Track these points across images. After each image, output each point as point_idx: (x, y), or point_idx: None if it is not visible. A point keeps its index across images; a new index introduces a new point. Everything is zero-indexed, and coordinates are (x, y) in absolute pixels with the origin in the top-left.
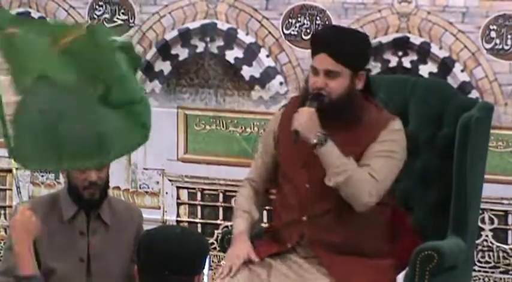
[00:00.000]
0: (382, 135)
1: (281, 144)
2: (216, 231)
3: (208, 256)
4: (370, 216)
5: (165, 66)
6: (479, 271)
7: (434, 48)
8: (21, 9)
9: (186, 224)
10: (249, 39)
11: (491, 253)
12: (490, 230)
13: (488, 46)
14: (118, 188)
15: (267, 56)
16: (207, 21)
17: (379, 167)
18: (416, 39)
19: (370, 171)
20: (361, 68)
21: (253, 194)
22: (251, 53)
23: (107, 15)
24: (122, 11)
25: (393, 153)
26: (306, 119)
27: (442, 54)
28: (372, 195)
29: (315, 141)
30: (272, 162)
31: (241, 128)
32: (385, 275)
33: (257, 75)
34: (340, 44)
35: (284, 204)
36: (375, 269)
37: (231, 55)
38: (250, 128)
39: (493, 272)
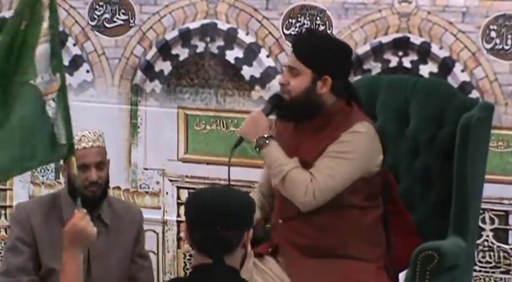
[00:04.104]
0: (341, 137)
1: None
2: None
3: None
4: (346, 221)
5: (166, 66)
6: (480, 271)
7: (435, 48)
8: None
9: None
10: (249, 39)
11: (491, 253)
12: (491, 230)
13: (489, 46)
14: (118, 188)
15: (267, 56)
16: (207, 21)
17: (323, 166)
18: (416, 39)
19: (312, 171)
20: (324, 72)
21: (259, 197)
22: (251, 53)
23: (107, 15)
24: (122, 11)
25: (344, 154)
26: (247, 123)
27: (443, 54)
28: (308, 195)
29: (254, 144)
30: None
31: None
32: (366, 274)
33: (257, 75)
34: (306, 44)
35: (273, 208)
36: (353, 268)
37: (231, 55)
38: None
39: (493, 272)
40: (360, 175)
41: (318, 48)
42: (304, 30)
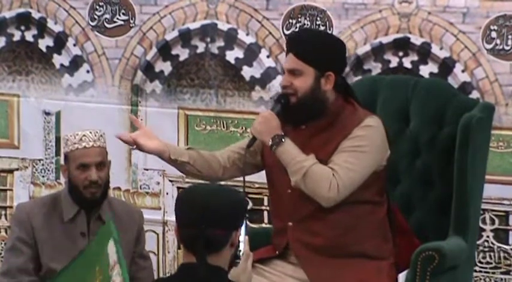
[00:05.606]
0: (354, 132)
1: (266, 151)
2: None
3: (245, 220)
4: (360, 217)
5: (166, 67)
6: (480, 271)
7: (435, 49)
8: (21, 10)
9: None
10: (249, 40)
11: (492, 254)
12: (491, 231)
13: (489, 46)
14: (119, 188)
15: (268, 57)
16: (207, 21)
17: (342, 161)
18: (417, 40)
19: (332, 166)
20: (327, 68)
21: (208, 154)
22: (251, 53)
23: (107, 16)
24: (123, 11)
25: (359, 148)
26: (261, 122)
27: (443, 54)
28: (333, 189)
29: (269, 143)
30: (238, 155)
31: (242, 128)
32: (381, 276)
33: (257, 75)
34: (304, 43)
35: (273, 211)
36: (369, 271)
37: (232, 55)
38: None
39: (494, 273)
40: (375, 168)
41: (317, 45)
42: (297, 30)
